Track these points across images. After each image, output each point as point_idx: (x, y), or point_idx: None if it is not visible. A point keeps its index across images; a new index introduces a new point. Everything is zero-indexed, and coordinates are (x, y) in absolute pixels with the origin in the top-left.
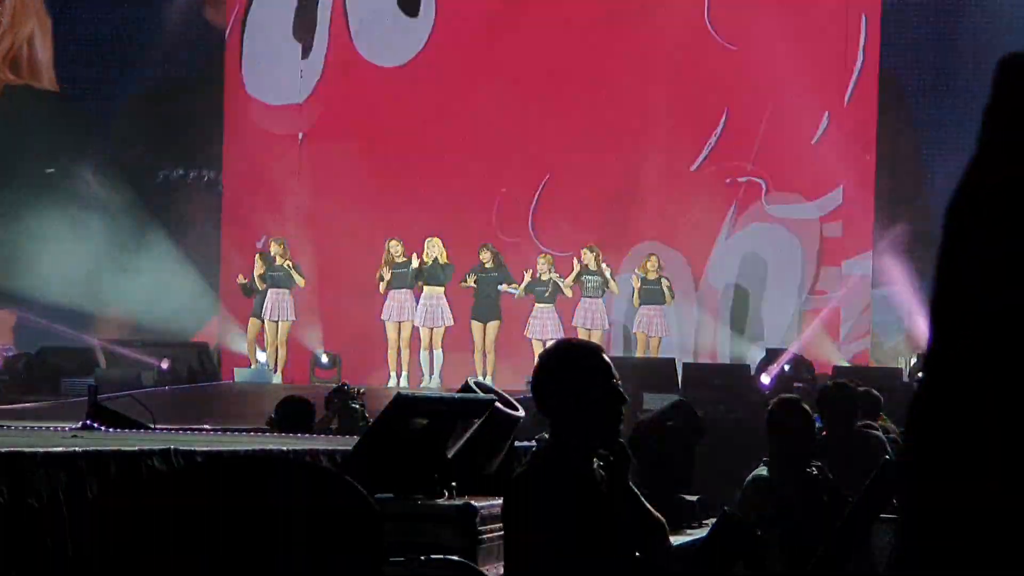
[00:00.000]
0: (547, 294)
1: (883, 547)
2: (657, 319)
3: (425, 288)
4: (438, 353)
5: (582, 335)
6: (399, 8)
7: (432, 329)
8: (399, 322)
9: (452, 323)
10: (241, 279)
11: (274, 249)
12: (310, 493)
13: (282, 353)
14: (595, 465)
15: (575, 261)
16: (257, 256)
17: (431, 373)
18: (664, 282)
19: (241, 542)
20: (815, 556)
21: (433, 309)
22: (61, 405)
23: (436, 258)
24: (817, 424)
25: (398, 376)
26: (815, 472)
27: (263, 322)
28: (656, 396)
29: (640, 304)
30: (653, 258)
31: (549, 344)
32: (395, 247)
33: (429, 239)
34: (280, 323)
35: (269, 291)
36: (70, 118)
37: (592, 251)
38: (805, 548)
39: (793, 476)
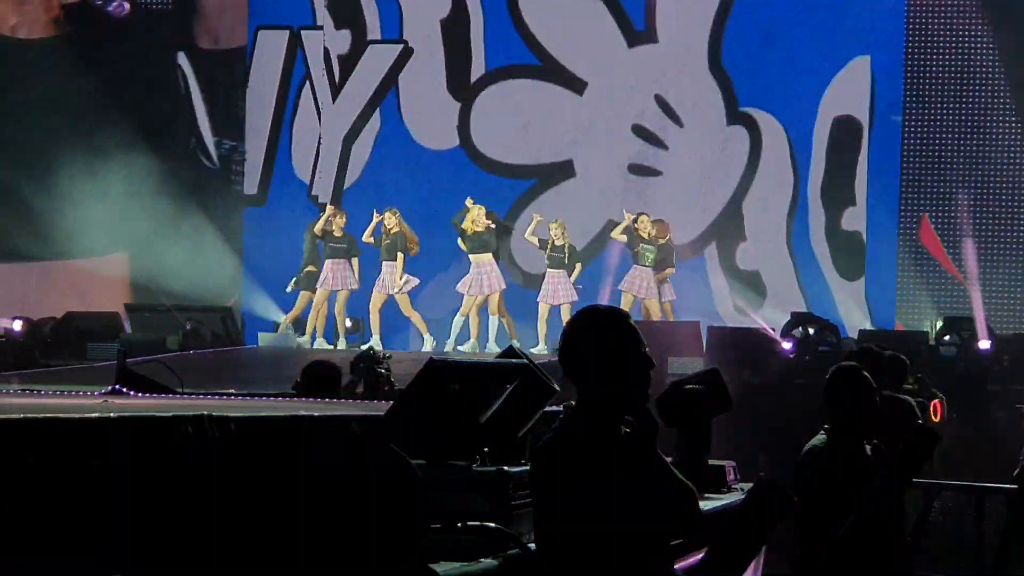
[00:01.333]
0: (560, 259)
1: (913, 510)
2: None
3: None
4: (494, 319)
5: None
6: None
7: (488, 295)
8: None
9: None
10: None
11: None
12: (353, 460)
13: (321, 322)
14: (622, 431)
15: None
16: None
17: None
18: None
19: (281, 509)
20: (848, 522)
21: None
22: (87, 369)
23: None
24: None
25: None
26: (870, 451)
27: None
28: (681, 360)
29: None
30: (642, 218)
31: (576, 310)
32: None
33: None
34: (340, 292)
35: (327, 261)
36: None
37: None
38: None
39: (848, 447)
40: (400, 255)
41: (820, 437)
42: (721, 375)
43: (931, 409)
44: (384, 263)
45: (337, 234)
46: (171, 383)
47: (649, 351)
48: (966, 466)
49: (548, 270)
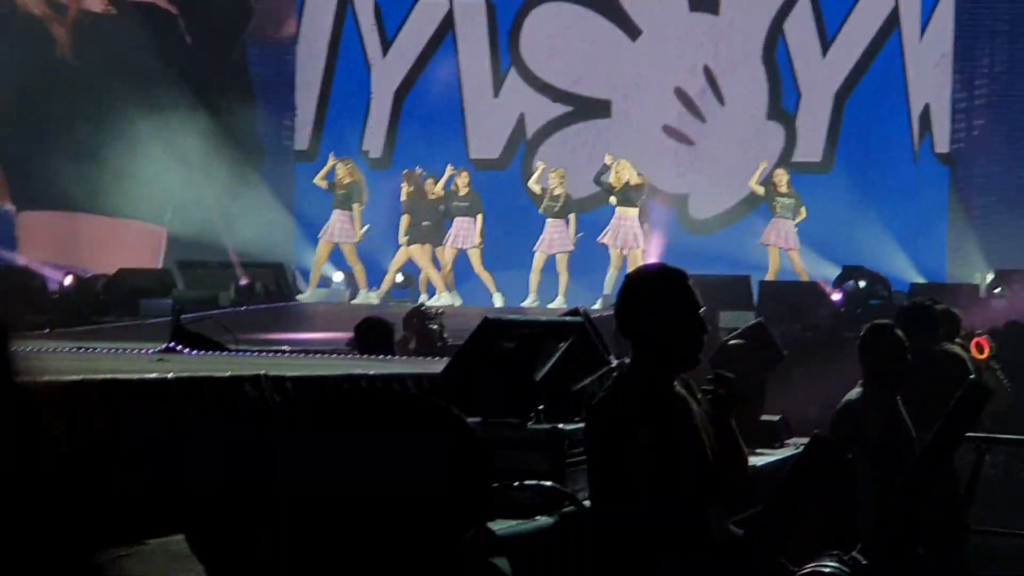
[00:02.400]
0: (556, 209)
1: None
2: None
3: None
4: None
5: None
6: None
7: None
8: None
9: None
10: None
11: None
12: (418, 425)
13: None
14: (677, 388)
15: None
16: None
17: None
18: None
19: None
20: (900, 479)
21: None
22: (139, 326)
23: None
24: None
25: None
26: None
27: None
28: (732, 314)
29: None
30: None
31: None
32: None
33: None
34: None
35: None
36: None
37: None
38: (890, 473)
39: (883, 401)
40: (356, 207)
41: (856, 391)
42: (767, 328)
43: (975, 346)
44: (337, 211)
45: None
46: (224, 340)
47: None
48: (1017, 421)
49: (547, 220)
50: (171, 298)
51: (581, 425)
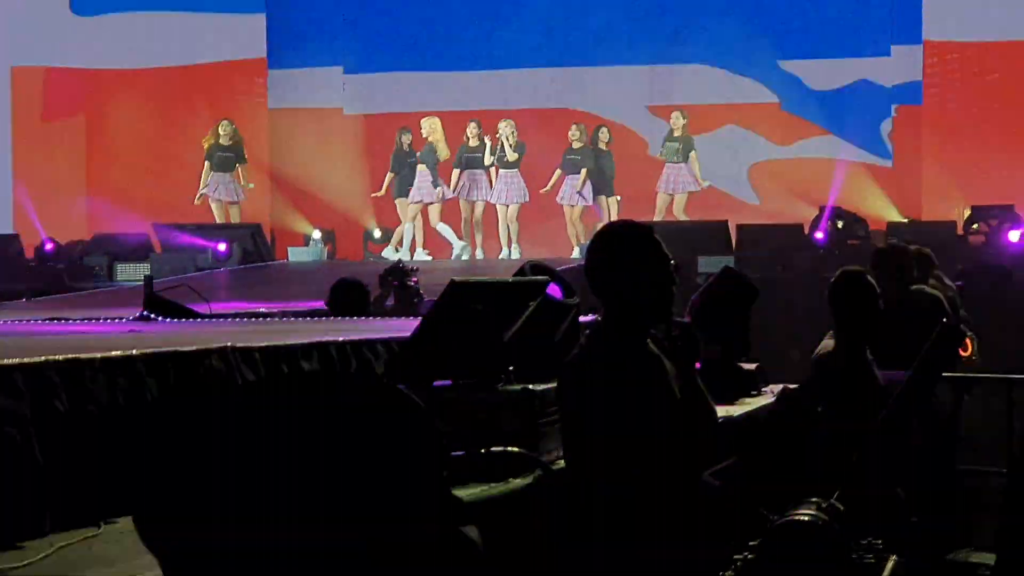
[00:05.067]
0: (506, 159)
1: (945, 405)
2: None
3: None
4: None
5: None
6: None
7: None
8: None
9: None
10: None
11: None
12: (367, 407)
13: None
14: (650, 345)
15: None
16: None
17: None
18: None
19: (297, 453)
20: (879, 418)
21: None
22: (117, 292)
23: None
24: None
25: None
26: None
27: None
28: (710, 259)
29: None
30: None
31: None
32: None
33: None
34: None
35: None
36: None
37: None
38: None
39: (857, 352)
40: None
41: (828, 342)
42: (735, 269)
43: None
44: None
45: None
46: (199, 306)
47: (676, 255)
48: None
49: (500, 170)
50: (148, 263)
51: (553, 385)
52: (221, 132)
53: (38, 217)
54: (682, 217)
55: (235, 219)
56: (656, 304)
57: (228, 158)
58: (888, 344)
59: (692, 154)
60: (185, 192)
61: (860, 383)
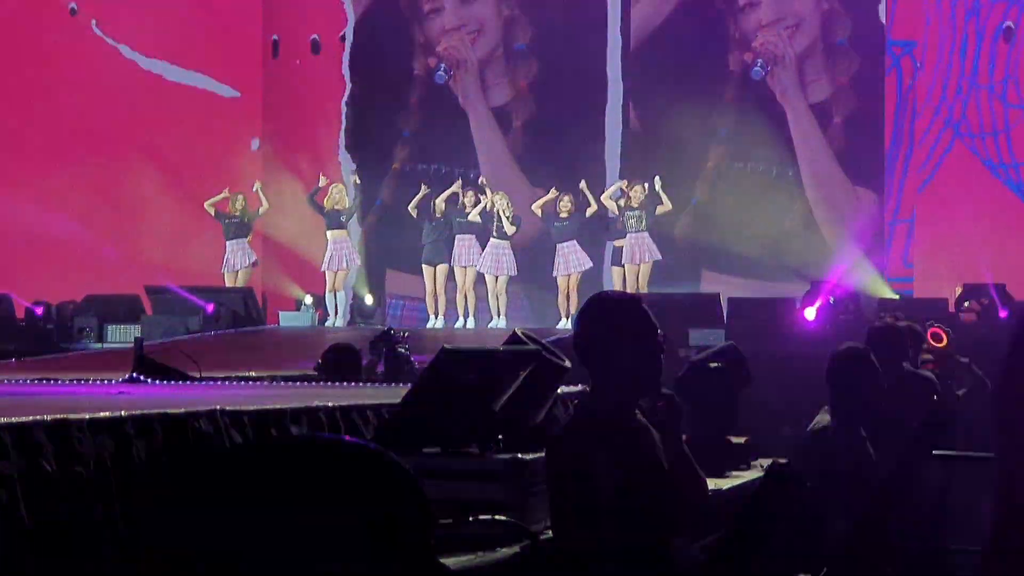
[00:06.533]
0: (504, 231)
1: (934, 484)
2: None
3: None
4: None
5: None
6: None
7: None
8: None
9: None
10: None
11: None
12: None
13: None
14: (638, 417)
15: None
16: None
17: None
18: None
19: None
20: (869, 495)
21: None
22: (108, 353)
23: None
24: None
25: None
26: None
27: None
28: (701, 332)
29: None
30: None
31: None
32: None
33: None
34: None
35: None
36: None
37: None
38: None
39: (855, 430)
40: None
41: (824, 417)
42: (738, 350)
43: (931, 335)
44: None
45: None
46: (189, 369)
47: (664, 331)
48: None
49: (491, 240)
50: (139, 324)
51: (542, 455)
52: (232, 204)
53: (29, 276)
54: (645, 290)
55: (242, 283)
56: (644, 375)
57: (242, 226)
58: (880, 425)
59: (658, 207)
60: (178, 254)
61: (854, 460)
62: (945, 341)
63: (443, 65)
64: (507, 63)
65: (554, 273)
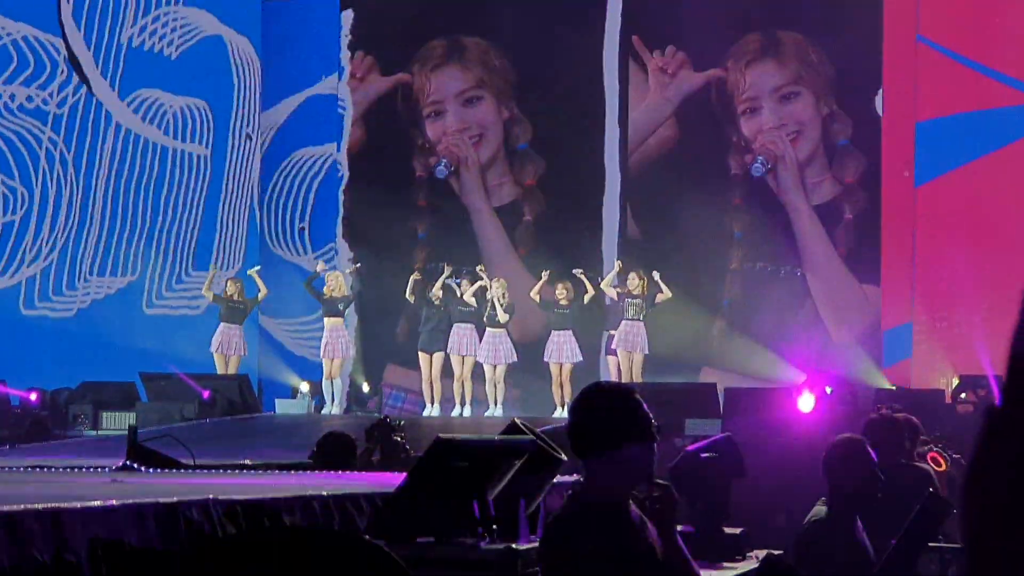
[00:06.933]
0: (496, 319)
1: None
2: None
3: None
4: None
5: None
6: None
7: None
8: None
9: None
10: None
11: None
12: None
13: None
14: (632, 507)
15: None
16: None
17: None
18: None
19: None
20: None
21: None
22: (102, 440)
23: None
24: None
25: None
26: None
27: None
28: (698, 422)
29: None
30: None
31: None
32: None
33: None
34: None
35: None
36: None
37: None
38: None
39: (851, 521)
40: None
41: (820, 509)
42: (735, 443)
43: (931, 460)
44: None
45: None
46: (184, 455)
47: (661, 420)
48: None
49: (488, 329)
50: (134, 411)
51: (536, 544)
52: (230, 290)
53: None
54: (639, 379)
55: (233, 369)
56: (638, 465)
57: (238, 310)
58: (876, 518)
59: (658, 296)
60: (173, 341)
61: (850, 552)
62: (944, 466)
63: (444, 160)
64: (509, 163)
65: (545, 358)
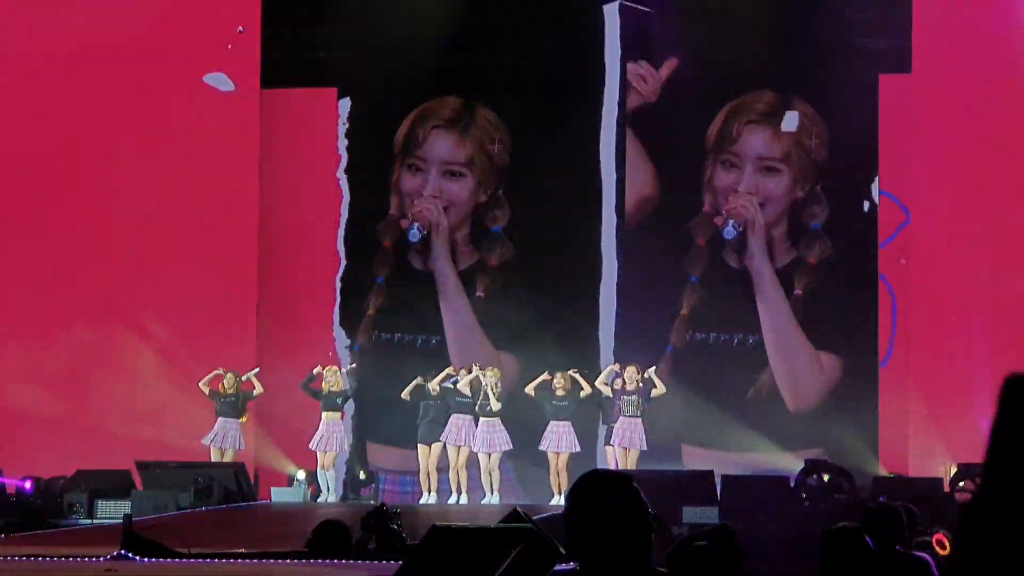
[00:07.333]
0: (489, 408)
1: None
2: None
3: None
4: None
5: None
6: None
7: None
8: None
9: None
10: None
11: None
12: None
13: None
14: None
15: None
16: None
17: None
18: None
19: None
20: None
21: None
22: (97, 529)
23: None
24: None
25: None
26: None
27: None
28: (695, 509)
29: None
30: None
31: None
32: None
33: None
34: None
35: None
36: None
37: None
38: None
39: None
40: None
41: None
42: (732, 534)
43: (936, 543)
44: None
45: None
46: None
47: (658, 508)
48: None
49: (481, 419)
50: (129, 499)
51: None
52: (225, 383)
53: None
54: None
55: (229, 459)
56: (634, 553)
57: (235, 406)
58: None
59: (652, 391)
60: (169, 430)
61: None
62: (950, 549)
63: (416, 224)
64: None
65: (542, 447)
